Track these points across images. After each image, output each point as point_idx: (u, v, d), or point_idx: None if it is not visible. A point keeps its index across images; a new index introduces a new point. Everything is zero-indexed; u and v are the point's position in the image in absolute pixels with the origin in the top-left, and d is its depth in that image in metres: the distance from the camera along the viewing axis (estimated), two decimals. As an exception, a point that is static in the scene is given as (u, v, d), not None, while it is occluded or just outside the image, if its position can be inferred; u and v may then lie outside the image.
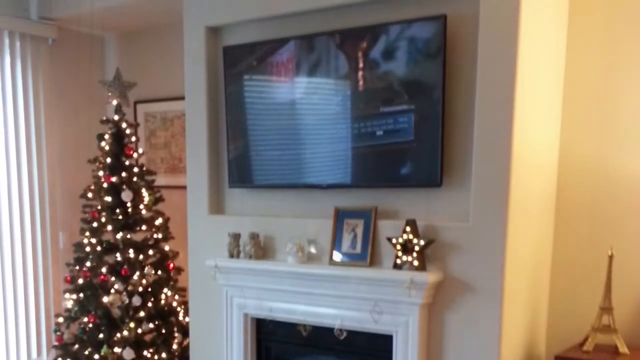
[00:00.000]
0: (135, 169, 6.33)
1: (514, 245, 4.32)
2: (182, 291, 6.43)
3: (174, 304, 6.43)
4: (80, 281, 6.23)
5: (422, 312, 4.52)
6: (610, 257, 4.39)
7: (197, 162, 5.63)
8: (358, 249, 4.78)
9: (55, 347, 6.41)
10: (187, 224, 5.76)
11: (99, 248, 6.21)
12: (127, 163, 6.31)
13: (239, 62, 5.30)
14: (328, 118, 4.95)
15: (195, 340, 5.80)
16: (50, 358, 6.35)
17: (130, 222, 6.23)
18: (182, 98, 5.78)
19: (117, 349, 6.03)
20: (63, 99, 7.21)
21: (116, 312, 6.18)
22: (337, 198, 4.98)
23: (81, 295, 6.22)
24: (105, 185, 6.24)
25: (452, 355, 4.54)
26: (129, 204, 6.22)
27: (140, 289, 6.11)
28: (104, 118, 6.41)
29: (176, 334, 6.38)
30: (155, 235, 6.37)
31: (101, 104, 7.21)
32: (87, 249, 6.24)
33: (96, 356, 6.10)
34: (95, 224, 6.24)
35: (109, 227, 6.21)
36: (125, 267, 6.11)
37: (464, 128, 4.46)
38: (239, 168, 5.40)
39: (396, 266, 4.55)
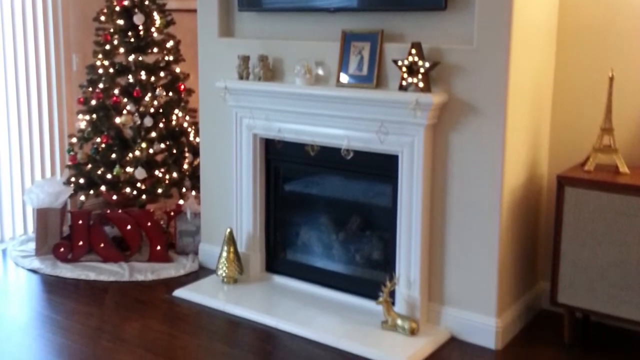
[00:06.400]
0: (147, -8, 6.37)
1: (517, 67, 4.39)
2: (192, 112, 6.54)
3: (185, 124, 6.55)
4: (93, 102, 6.34)
5: (427, 132, 4.62)
6: (611, 79, 4.45)
7: (207, -15, 5.66)
8: (364, 71, 4.85)
9: (68, 166, 6.55)
10: (197, 47, 5.83)
11: (111, 70, 6.31)
12: (138, -14, 6.34)
13: None
14: (335, -56, 4.95)
15: (206, 160, 5.96)
16: (64, 177, 6.48)
17: (142, 45, 6.31)
18: None
19: (129, 169, 6.19)
20: None
21: (128, 133, 6.33)
22: (344, 21, 5.02)
23: (94, 116, 6.33)
24: (117, 8, 6.28)
25: (456, 174, 4.65)
26: (140, 27, 6.28)
27: (152, 110, 6.24)
28: (116, -57, 6.40)
29: (187, 154, 6.52)
30: (166, 58, 6.44)
31: None
32: (100, 71, 6.33)
33: (109, 175, 6.25)
34: (107, 47, 6.31)
35: (121, 50, 6.30)
36: (137, 88, 6.21)
37: (468, -50, 4.48)
38: (248, -9, 5.43)
39: (402, 88, 4.63)
